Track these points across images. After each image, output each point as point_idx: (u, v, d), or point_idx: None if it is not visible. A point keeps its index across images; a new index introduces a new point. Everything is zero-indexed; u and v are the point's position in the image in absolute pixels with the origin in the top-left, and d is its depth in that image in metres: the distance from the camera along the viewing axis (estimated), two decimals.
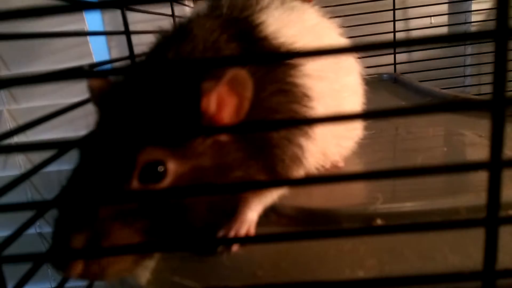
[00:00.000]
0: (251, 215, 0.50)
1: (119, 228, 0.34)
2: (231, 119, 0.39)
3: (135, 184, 0.35)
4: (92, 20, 1.19)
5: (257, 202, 0.50)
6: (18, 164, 1.22)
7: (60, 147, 0.27)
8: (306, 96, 0.48)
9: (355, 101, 0.64)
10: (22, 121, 1.18)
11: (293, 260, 0.44)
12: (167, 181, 0.36)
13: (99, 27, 1.23)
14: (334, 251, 0.45)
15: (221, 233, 0.49)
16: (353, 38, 0.68)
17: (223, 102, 0.38)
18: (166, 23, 0.60)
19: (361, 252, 0.45)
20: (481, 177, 0.29)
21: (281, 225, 0.52)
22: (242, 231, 0.49)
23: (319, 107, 0.49)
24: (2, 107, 1.20)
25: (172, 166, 0.36)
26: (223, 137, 0.39)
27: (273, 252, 0.46)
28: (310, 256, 0.45)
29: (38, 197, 1.26)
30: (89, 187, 0.35)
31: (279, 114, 0.45)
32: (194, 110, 0.37)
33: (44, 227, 1.26)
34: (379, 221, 0.50)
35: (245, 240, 0.40)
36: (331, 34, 0.62)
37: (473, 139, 0.74)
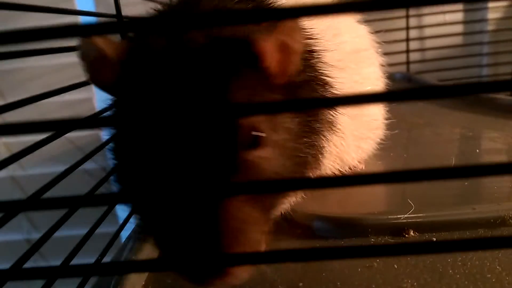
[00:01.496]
0: None
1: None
2: (281, 77, 0.34)
3: (242, 155, 0.30)
4: None
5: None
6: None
7: (58, 127, 0.20)
8: (327, 84, 0.42)
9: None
10: (10, 117, 1.11)
11: (312, 279, 0.36)
12: (268, 150, 0.31)
13: None
14: (362, 268, 0.37)
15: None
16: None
17: (276, 56, 0.33)
18: None
19: (395, 270, 0.37)
20: None
21: (295, 237, 0.44)
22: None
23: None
24: None
25: (269, 134, 0.32)
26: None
27: (288, 269, 0.38)
28: (332, 275, 0.37)
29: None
30: (189, 173, 0.29)
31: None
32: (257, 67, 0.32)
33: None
34: (412, 233, 0.42)
35: (253, 259, 0.32)
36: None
37: (506, 141, 0.66)
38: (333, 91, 0.42)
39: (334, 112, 0.43)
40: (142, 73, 0.32)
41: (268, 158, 0.31)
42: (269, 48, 0.32)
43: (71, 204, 0.22)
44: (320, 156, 0.40)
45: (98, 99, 1.14)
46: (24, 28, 0.18)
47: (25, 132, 0.21)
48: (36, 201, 0.22)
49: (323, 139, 0.40)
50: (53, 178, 0.41)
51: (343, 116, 0.44)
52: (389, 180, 0.21)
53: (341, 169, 0.51)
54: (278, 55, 0.32)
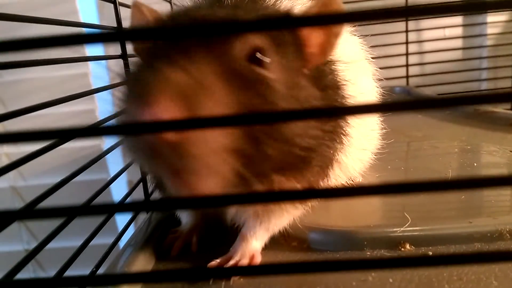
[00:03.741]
0: (256, 244, 0.42)
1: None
2: (319, 56, 0.37)
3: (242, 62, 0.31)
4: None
5: (265, 230, 0.43)
6: (9, 175, 1.15)
7: (62, 136, 0.21)
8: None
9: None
10: (10, 126, 1.12)
11: None
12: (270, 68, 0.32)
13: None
14: (357, 282, 0.37)
15: (217, 261, 0.41)
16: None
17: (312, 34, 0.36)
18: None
19: (390, 285, 0.36)
20: None
21: (290, 249, 0.44)
22: (245, 261, 0.41)
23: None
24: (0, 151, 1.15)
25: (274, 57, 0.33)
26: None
27: (282, 282, 0.38)
28: None
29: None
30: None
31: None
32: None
33: None
34: (408, 246, 0.42)
35: (248, 271, 0.32)
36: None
37: (504, 154, 0.66)
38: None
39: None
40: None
41: (272, 79, 0.32)
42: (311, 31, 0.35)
43: (68, 214, 0.22)
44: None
45: (100, 110, 1.14)
46: (27, 37, 0.19)
47: (27, 140, 0.21)
48: (35, 210, 0.22)
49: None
50: (50, 187, 0.41)
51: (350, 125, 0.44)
52: (384, 192, 0.21)
53: (342, 180, 0.51)
54: (319, 35, 0.36)
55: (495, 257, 0.22)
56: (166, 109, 0.25)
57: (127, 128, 0.24)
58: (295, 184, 0.37)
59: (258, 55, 0.32)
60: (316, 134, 0.35)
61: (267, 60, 0.32)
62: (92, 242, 0.46)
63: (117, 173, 0.59)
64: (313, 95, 0.36)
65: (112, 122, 0.57)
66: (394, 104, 0.20)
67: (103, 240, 0.48)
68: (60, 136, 0.21)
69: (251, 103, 0.29)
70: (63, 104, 0.47)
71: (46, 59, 0.45)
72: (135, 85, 0.29)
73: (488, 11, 1.24)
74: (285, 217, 0.43)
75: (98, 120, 1.12)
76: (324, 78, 0.39)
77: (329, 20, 0.23)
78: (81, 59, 0.65)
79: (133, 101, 0.27)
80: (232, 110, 0.28)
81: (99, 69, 1.12)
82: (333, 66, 0.42)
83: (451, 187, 0.21)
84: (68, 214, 0.23)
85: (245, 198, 0.25)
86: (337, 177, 0.48)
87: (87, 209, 0.23)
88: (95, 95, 1.13)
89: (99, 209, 0.24)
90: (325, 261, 0.21)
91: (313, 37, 0.36)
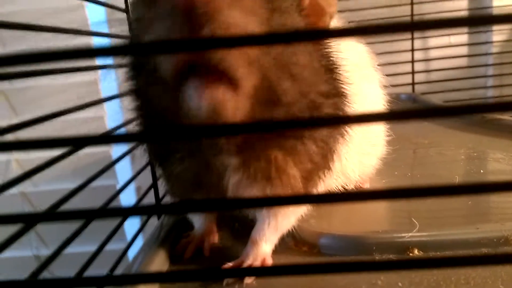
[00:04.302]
0: (266, 247, 0.43)
1: None
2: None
3: None
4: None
5: (273, 231, 0.44)
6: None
7: (75, 143, 0.22)
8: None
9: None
10: (23, 135, 1.13)
11: None
12: None
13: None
14: (367, 285, 0.38)
15: (230, 264, 0.42)
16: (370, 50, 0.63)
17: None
18: None
19: None
20: None
21: (301, 253, 0.45)
22: (257, 263, 0.42)
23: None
24: (10, 157, 1.17)
25: None
26: None
27: (293, 286, 0.39)
28: None
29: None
30: None
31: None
32: None
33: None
34: (416, 251, 0.43)
35: (260, 272, 0.33)
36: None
37: (510, 161, 0.67)
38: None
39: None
40: None
41: None
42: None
43: (86, 216, 0.23)
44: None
45: (109, 117, 1.15)
46: (39, 50, 0.20)
47: (39, 148, 0.22)
48: (56, 213, 0.24)
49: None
50: (66, 193, 0.42)
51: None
52: (392, 197, 0.22)
53: (344, 185, 0.52)
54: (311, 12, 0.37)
55: (501, 259, 0.23)
56: None
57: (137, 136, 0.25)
58: (293, 168, 0.39)
59: None
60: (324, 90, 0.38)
61: None
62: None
63: (128, 180, 0.60)
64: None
65: (123, 130, 0.58)
66: (400, 113, 0.21)
67: (110, 246, 0.49)
68: (74, 143, 0.22)
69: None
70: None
71: (56, 68, 0.46)
72: None
73: (494, 25, 1.24)
74: (291, 216, 0.44)
75: (107, 126, 1.13)
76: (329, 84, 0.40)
77: None
78: (90, 68, 0.66)
79: None
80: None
81: (108, 75, 1.14)
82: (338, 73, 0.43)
83: (457, 192, 0.22)
84: (87, 217, 0.24)
85: (252, 202, 0.26)
86: (335, 177, 0.49)
87: (104, 212, 0.24)
88: (107, 126, 1.16)
89: (116, 212, 0.25)
90: (335, 263, 0.22)
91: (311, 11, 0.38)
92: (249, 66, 0.31)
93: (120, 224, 0.52)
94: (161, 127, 0.32)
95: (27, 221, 0.24)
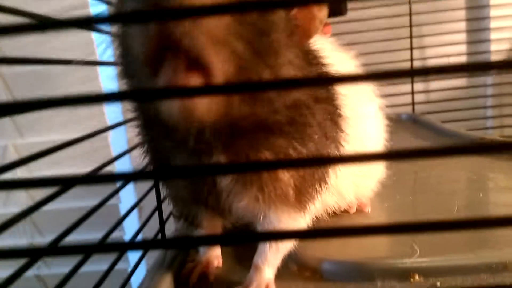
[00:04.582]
0: (269, 272, 0.44)
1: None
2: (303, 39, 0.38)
3: None
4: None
5: (275, 254, 0.44)
6: (20, 199, 1.17)
7: (64, 183, 0.23)
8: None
9: (378, 136, 0.59)
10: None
11: None
12: None
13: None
14: None
15: None
16: (369, 66, 0.63)
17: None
18: None
19: None
20: None
21: (304, 278, 0.46)
22: None
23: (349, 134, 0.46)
24: (7, 142, 1.16)
25: None
26: None
27: None
28: None
29: (38, 234, 1.20)
30: None
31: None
32: None
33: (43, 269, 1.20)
34: (417, 277, 0.43)
35: None
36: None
37: (509, 184, 0.68)
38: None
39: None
40: None
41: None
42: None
43: (87, 251, 0.24)
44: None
45: (113, 138, 1.15)
46: (52, 97, 0.21)
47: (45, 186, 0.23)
48: (58, 248, 0.25)
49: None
50: (70, 225, 0.42)
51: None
52: (394, 232, 0.23)
53: (339, 204, 0.53)
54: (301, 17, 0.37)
55: None
56: None
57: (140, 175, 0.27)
58: (284, 174, 0.40)
59: None
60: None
61: None
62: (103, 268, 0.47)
63: (132, 207, 0.60)
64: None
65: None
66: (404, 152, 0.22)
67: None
68: (70, 183, 0.23)
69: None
70: (76, 131, 0.49)
71: (63, 98, 0.47)
72: None
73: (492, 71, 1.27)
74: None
75: (111, 146, 1.12)
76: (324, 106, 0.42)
77: None
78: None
79: None
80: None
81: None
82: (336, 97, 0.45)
83: (459, 226, 0.22)
84: (87, 251, 0.25)
85: (255, 237, 0.27)
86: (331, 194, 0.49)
87: (103, 247, 0.25)
88: (107, 120, 1.16)
89: (116, 247, 0.26)
90: None
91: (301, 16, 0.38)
92: (222, 51, 0.29)
93: (120, 258, 0.52)
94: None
95: (32, 255, 0.25)
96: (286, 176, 0.40)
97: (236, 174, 0.39)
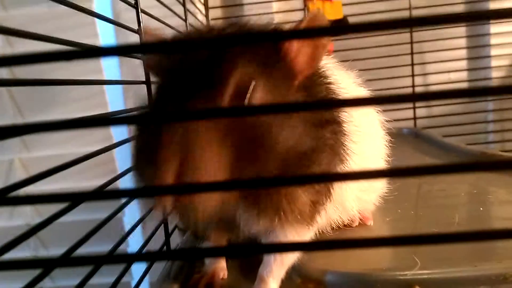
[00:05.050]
0: (273, 284, 0.45)
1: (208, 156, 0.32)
2: (307, 67, 0.40)
3: (226, 98, 0.34)
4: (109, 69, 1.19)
5: (279, 265, 0.45)
6: (25, 212, 1.18)
7: (73, 199, 0.24)
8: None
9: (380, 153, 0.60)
10: (33, 170, 1.15)
11: None
12: (256, 98, 0.36)
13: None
14: None
15: None
16: (370, 82, 0.65)
17: (301, 47, 0.39)
18: None
19: None
20: None
21: None
22: None
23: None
24: (14, 156, 1.17)
25: (261, 84, 0.36)
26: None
27: None
28: None
29: (42, 247, 1.21)
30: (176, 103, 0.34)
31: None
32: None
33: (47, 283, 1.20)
34: None
35: None
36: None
37: (510, 198, 0.69)
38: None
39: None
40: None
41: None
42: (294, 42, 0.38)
43: (95, 262, 0.25)
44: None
45: (118, 154, 1.16)
46: (57, 120, 0.22)
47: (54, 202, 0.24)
48: (68, 259, 0.26)
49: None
50: (77, 241, 0.43)
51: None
52: (396, 244, 0.24)
53: (342, 218, 0.54)
54: (304, 47, 0.39)
55: None
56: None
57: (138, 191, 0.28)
58: (304, 193, 0.41)
59: (248, 88, 0.35)
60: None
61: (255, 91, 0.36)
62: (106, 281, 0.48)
63: (136, 222, 0.61)
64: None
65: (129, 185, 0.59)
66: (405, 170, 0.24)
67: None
68: (79, 199, 0.24)
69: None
70: (82, 145, 0.50)
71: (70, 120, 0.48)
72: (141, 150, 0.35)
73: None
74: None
75: (116, 160, 1.13)
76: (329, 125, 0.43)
77: (318, 32, 0.28)
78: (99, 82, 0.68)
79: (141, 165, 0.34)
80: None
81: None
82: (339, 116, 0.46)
83: (459, 239, 0.23)
84: (98, 262, 0.26)
85: (261, 249, 0.28)
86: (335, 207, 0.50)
87: (115, 258, 0.26)
88: (113, 133, 1.17)
89: (127, 258, 0.27)
90: None
91: (301, 50, 0.39)
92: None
93: (126, 270, 0.53)
94: None
95: (45, 266, 0.26)
96: (303, 194, 0.40)
97: (254, 203, 0.40)
